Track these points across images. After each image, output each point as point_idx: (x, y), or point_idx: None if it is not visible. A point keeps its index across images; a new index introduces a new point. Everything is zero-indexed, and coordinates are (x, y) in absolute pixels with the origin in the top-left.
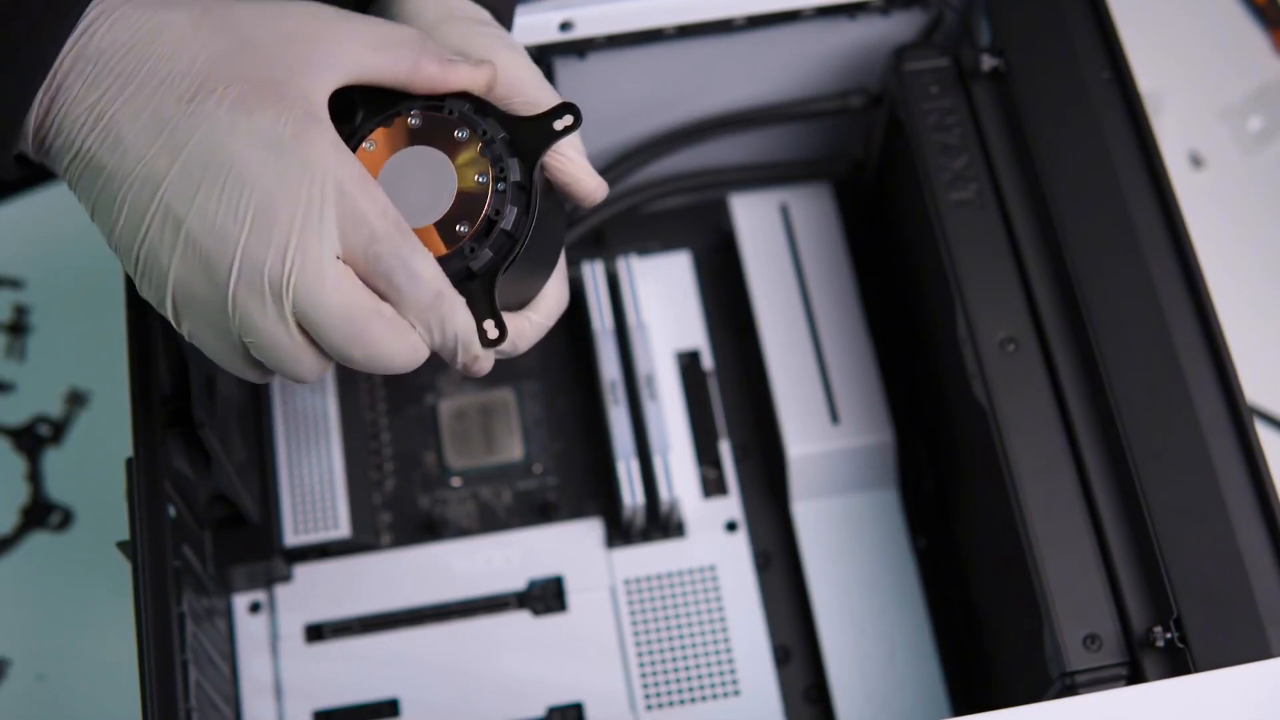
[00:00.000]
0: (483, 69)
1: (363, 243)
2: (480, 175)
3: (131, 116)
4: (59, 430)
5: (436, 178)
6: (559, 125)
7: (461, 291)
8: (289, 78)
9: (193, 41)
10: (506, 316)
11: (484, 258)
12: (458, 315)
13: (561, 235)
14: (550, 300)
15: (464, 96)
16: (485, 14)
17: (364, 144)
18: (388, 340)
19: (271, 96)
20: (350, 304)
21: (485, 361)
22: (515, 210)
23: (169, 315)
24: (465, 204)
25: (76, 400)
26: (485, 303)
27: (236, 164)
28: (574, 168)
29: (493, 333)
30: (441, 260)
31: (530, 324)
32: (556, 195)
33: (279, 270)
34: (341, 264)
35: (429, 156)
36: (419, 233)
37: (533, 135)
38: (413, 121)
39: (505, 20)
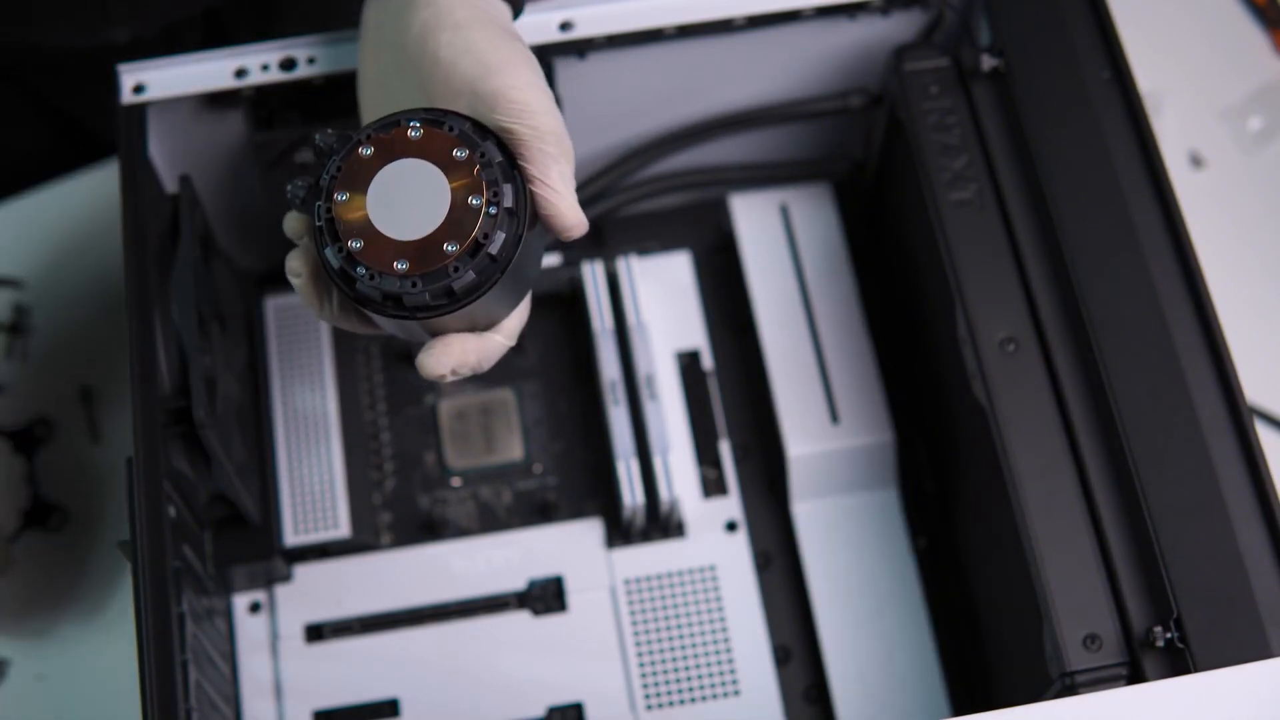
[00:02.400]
0: None
1: None
2: (474, 197)
3: None
4: (58, 430)
5: (429, 193)
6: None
7: (437, 309)
8: None
9: None
10: (474, 337)
11: (467, 279)
12: None
13: (539, 263)
14: (514, 321)
15: (463, 115)
16: (507, 14)
17: (360, 148)
18: None
19: None
20: None
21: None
22: (504, 236)
23: None
24: (456, 224)
25: (76, 400)
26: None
27: None
28: (560, 201)
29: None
30: (424, 277)
31: (495, 345)
32: (540, 224)
33: None
34: None
35: (424, 171)
36: (405, 246)
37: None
38: (413, 133)
39: (515, 5)
